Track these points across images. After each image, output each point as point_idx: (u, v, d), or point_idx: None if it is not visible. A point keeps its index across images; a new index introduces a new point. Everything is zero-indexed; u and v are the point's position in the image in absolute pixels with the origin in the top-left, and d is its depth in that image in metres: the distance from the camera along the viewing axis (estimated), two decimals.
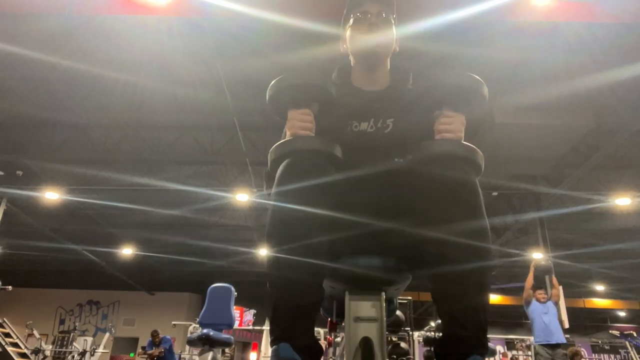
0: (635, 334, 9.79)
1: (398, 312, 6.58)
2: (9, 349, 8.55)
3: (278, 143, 1.21)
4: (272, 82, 1.25)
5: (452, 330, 1.06)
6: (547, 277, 6.66)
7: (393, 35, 1.43)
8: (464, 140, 1.19)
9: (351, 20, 1.45)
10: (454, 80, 1.23)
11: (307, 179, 1.10)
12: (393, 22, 1.44)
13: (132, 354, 15.96)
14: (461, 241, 1.06)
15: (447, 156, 1.15)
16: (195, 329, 8.15)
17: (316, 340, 1.08)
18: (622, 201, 9.24)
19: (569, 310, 9.72)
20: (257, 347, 18.01)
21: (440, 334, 1.11)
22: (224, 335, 4.37)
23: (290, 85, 1.23)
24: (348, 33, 1.46)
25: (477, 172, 1.16)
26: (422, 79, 1.26)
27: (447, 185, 1.11)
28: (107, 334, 12.30)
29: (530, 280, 6.59)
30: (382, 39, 1.39)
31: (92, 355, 10.97)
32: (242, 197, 9.62)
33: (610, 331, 13.01)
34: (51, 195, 9.73)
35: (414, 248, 1.22)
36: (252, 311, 16.39)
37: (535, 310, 6.53)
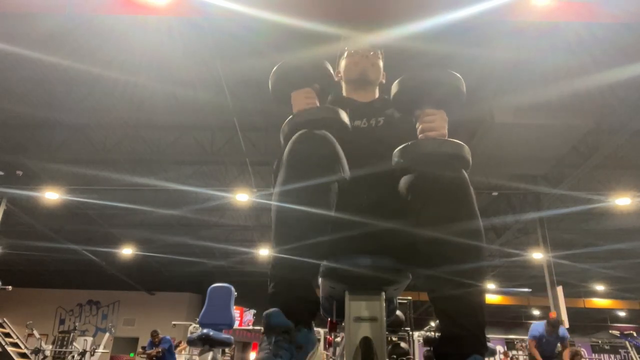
0: (635, 334, 9.78)
1: (398, 312, 6.56)
2: (9, 349, 8.55)
3: (289, 118, 1.24)
4: (273, 69, 1.32)
5: (451, 331, 1.05)
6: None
7: (381, 67, 1.64)
8: (462, 141, 1.20)
9: (345, 54, 1.66)
10: (433, 78, 1.24)
11: (308, 176, 1.10)
12: (380, 57, 1.65)
13: (132, 354, 15.96)
14: (454, 240, 1.06)
15: (434, 155, 1.15)
16: (195, 329, 8.14)
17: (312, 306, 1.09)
18: (622, 201, 9.24)
19: (569, 310, 9.73)
20: (257, 347, 18.01)
21: (439, 334, 1.11)
22: (224, 335, 4.36)
23: (290, 69, 1.31)
24: (343, 63, 1.66)
25: (465, 166, 1.17)
26: (403, 80, 1.28)
27: (436, 184, 1.11)
28: (107, 334, 12.31)
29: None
30: (371, 66, 1.60)
31: (92, 355, 10.98)
32: (242, 197, 9.62)
33: (610, 331, 13.00)
34: (51, 195, 9.73)
35: (413, 248, 1.22)
36: (252, 311, 16.40)
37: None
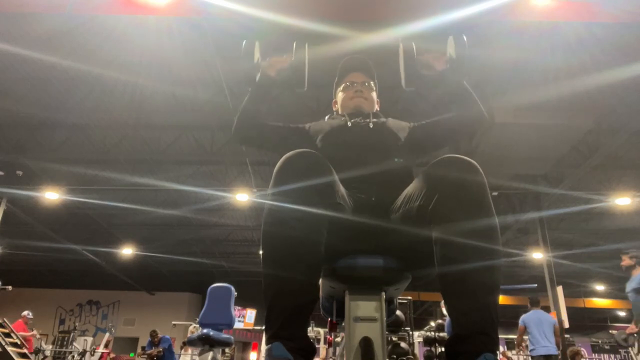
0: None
1: (398, 312, 6.56)
2: (9, 349, 8.54)
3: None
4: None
5: (463, 329, 1.05)
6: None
7: (374, 98, 1.79)
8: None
9: (342, 87, 1.80)
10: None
11: (304, 177, 1.09)
12: (374, 88, 1.80)
13: (132, 354, 15.96)
14: (472, 240, 1.06)
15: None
16: (195, 329, 8.15)
17: (309, 340, 1.08)
18: (622, 201, 9.24)
19: (569, 310, 9.72)
20: (257, 347, 18.02)
21: (443, 334, 1.11)
22: (224, 335, 4.36)
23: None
24: (339, 96, 1.81)
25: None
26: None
27: (455, 185, 1.11)
28: (107, 334, 12.30)
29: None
30: (365, 100, 1.74)
31: (92, 355, 10.97)
32: (242, 197, 9.62)
33: (610, 331, 12.99)
34: (51, 195, 9.72)
35: (414, 248, 1.21)
36: (253, 311, 16.40)
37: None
